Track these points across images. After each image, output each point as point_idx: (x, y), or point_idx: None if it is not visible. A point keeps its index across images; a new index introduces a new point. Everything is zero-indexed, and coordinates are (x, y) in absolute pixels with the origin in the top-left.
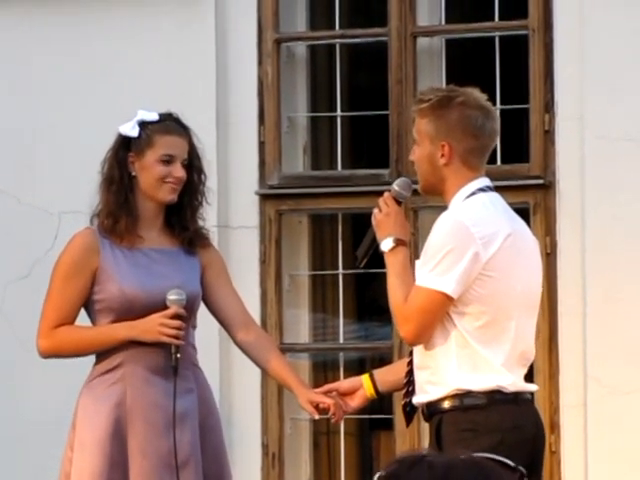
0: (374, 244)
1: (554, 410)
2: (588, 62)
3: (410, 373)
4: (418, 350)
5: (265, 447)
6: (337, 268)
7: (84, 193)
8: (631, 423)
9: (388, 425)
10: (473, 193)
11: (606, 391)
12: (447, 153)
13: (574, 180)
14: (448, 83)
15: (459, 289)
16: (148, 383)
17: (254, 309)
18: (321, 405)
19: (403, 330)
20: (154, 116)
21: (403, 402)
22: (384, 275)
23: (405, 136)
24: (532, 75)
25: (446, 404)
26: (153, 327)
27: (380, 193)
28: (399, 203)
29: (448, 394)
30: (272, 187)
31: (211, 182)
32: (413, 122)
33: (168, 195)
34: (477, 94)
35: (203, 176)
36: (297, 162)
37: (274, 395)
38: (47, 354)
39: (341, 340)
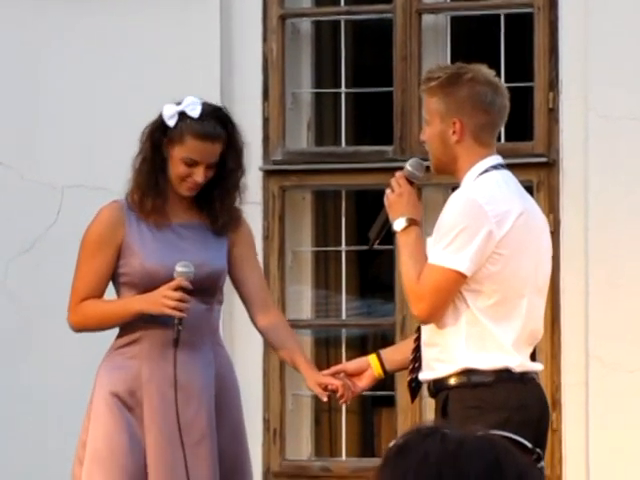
0: (386, 225)
1: (556, 388)
2: (593, 40)
3: (417, 349)
4: (427, 327)
5: (266, 423)
6: (340, 244)
7: (87, 167)
8: (633, 402)
9: (390, 402)
10: (486, 170)
11: (608, 370)
12: (458, 130)
13: (578, 158)
14: (453, 60)
15: (473, 267)
16: (162, 358)
17: None
18: (329, 387)
19: (417, 308)
20: (196, 111)
21: (409, 378)
22: (387, 252)
23: (409, 113)
24: (537, 53)
25: (453, 381)
26: (158, 299)
27: (384, 170)
28: (411, 183)
29: (455, 372)
30: (276, 163)
31: None
32: (421, 102)
33: (185, 192)
34: (485, 70)
35: (238, 174)
36: (301, 138)
37: (276, 371)
38: (77, 328)
39: (343, 316)
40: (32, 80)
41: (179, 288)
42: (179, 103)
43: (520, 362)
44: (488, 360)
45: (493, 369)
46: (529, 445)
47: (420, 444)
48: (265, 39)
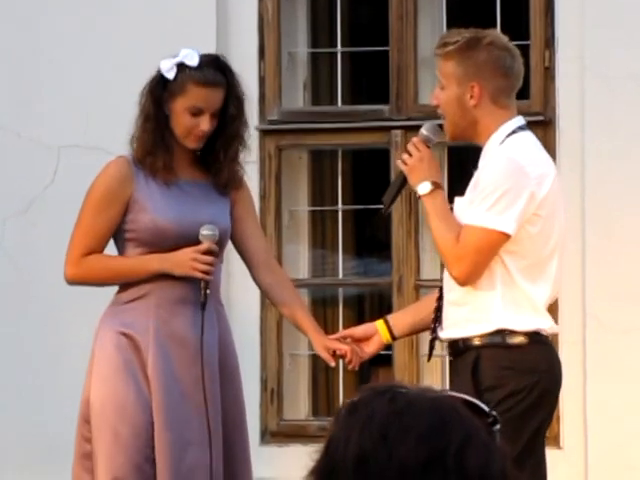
0: (402, 189)
1: None
2: None
3: (439, 309)
4: (457, 287)
5: (264, 382)
6: (336, 204)
7: (84, 127)
8: (630, 361)
9: (387, 361)
10: (514, 131)
11: (605, 329)
12: (477, 93)
13: (574, 117)
14: (449, 19)
15: (516, 228)
16: (174, 315)
17: None
18: (338, 352)
19: (456, 269)
20: (194, 60)
21: (431, 337)
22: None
23: (405, 72)
24: (532, 11)
25: (486, 340)
26: (185, 261)
27: (380, 129)
28: (427, 147)
29: (489, 331)
30: (272, 122)
31: None
32: (417, 60)
33: (192, 144)
34: (502, 36)
35: (240, 122)
36: (297, 97)
37: (273, 331)
38: (74, 281)
39: (340, 276)
40: (27, 41)
41: (207, 251)
42: (175, 56)
43: (551, 325)
44: (523, 321)
45: (527, 330)
46: (485, 408)
47: (369, 403)
48: None
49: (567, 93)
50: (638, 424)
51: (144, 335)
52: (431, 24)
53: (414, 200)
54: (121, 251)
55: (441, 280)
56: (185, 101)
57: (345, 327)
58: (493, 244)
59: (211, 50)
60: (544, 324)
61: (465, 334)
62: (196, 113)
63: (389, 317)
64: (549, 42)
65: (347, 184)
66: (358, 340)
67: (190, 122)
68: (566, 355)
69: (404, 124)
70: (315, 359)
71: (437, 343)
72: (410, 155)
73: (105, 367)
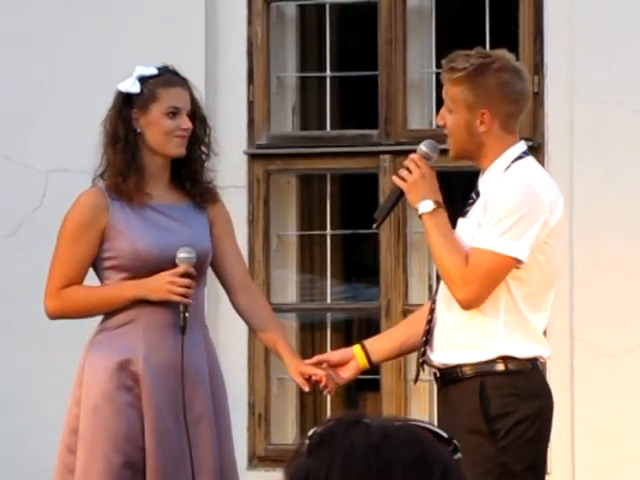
0: (396, 206)
1: None
2: (578, 24)
3: (429, 332)
4: (457, 311)
5: (251, 407)
6: (325, 228)
7: (73, 151)
8: (618, 385)
9: (375, 386)
10: (520, 157)
11: (592, 353)
12: (488, 120)
13: (563, 142)
14: (438, 44)
15: (529, 255)
16: (162, 341)
17: None
18: (313, 377)
19: (463, 293)
20: (152, 70)
21: (421, 360)
22: (372, 236)
23: (394, 96)
24: (522, 36)
25: (491, 367)
26: (162, 285)
27: (369, 154)
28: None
29: (493, 358)
30: (261, 147)
31: None
32: (406, 85)
33: (177, 149)
34: (509, 56)
35: (207, 127)
36: (286, 122)
37: (261, 355)
38: (54, 315)
39: (328, 300)
40: (17, 65)
41: (185, 274)
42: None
43: (549, 351)
44: (525, 349)
45: (528, 357)
46: (445, 435)
47: (345, 434)
48: (250, 22)
49: (556, 118)
50: (626, 448)
51: (136, 361)
52: (420, 48)
53: (402, 225)
54: (102, 280)
55: (433, 303)
56: (160, 105)
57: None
58: (503, 269)
59: (201, 74)
60: (544, 351)
61: (465, 360)
62: (174, 114)
63: (366, 342)
64: (538, 67)
65: (335, 209)
66: (335, 365)
67: (170, 124)
68: (554, 379)
69: (393, 149)
70: None
71: (425, 367)
72: (409, 171)
73: (96, 395)
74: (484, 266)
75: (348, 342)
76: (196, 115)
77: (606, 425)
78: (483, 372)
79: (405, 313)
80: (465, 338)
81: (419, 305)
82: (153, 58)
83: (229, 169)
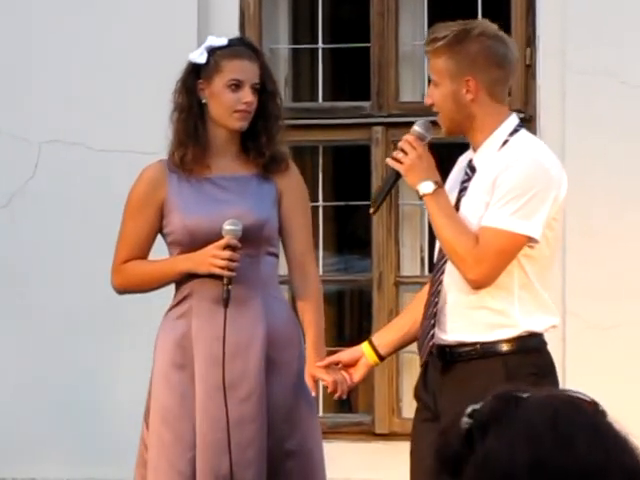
0: (393, 187)
1: None
2: None
3: (436, 314)
4: (469, 290)
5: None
6: (317, 200)
7: (65, 122)
8: (610, 358)
9: None
10: (516, 130)
11: (585, 326)
12: (473, 87)
13: (555, 115)
14: (430, 16)
15: (542, 233)
16: (213, 315)
17: None
18: (322, 383)
19: (474, 272)
20: (223, 41)
21: (431, 343)
22: (364, 208)
23: (386, 68)
24: (514, 9)
25: (512, 346)
26: (205, 258)
27: (361, 125)
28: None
29: (513, 336)
30: None
31: None
32: (399, 57)
33: (238, 122)
34: (491, 24)
35: (279, 99)
36: None
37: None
38: (120, 289)
39: (321, 272)
40: (8, 37)
41: (227, 246)
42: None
43: (559, 318)
44: (542, 321)
45: (543, 331)
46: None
47: (515, 411)
48: None
49: (548, 91)
50: (620, 420)
51: (188, 337)
52: (412, 21)
53: (395, 197)
54: (169, 254)
55: (437, 284)
56: (222, 77)
57: (325, 324)
58: (516, 248)
59: (192, 46)
60: (556, 319)
61: (484, 339)
62: (236, 87)
63: (374, 337)
64: (530, 40)
65: (328, 180)
66: (347, 365)
67: (232, 98)
68: None
69: (385, 121)
70: None
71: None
72: (405, 153)
73: (156, 375)
74: (496, 245)
75: (340, 314)
76: (266, 88)
77: (599, 398)
78: (507, 351)
79: (397, 285)
80: (484, 316)
81: (411, 277)
82: (145, 30)
83: None
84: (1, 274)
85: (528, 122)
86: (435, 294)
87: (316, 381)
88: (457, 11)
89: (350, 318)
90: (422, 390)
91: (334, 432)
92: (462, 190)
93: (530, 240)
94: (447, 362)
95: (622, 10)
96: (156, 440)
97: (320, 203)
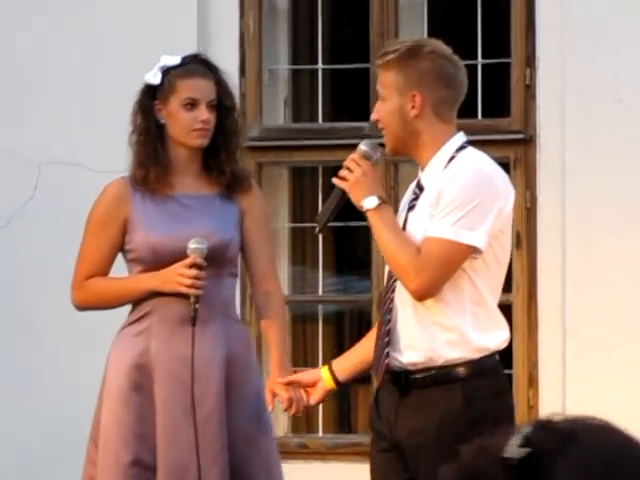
0: (339, 207)
1: (533, 365)
2: (569, 16)
3: (389, 332)
4: (420, 307)
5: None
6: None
7: (65, 143)
8: (609, 378)
9: (366, 379)
10: (463, 147)
11: (585, 346)
12: (418, 103)
13: (555, 135)
14: (430, 37)
15: (486, 243)
16: (173, 334)
17: None
18: (279, 398)
19: (415, 283)
20: (176, 60)
21: (386, 362)
22: (363, 229)
23: None
24: (514, 29)
25: (468, 368)
26: (171, 277)
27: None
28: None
29: (468, 355)
30: (253, 139)
31: None
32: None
33: (197, 140)
34: (444, 46)
35: (236, 115)
36: (278, 114)
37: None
38: (80, 306)
39: (320, 292)
40: (8, 55)
41: (194, 265)
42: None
43: (508, 334)
44: (496, 336)
45: (496, 349)
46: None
47: (572, 447)
48: (242, 15)
49: (548, 111)
50: None
51: (148, 356)
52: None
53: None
54: (129, 272)
55: (389, 302)
56: (177, 97)
57: (325, 344)
58: (459, 258)
59: None
60: (506, 333)
61: (436, 357)
62: (192, 105)
63: (334, 362)
64: (530, 60)
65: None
66: (306, 385)
67: (188, 117)
68: (546, 372)
69: (384, 142)
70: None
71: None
72: (351, 171)
73: (111, 392)
74: (437, 254)
75: (340, 334)
76: (222, 104)
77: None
78: (460, 376)
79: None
80: (436, 333)
81: None
82: (144, 51)
83: None
84: (2, 294)
85: (528, 142)
86: (387, 312)
87: (274, 397)
88: (456, 32)
89: (350, 338)
90: (376, 419)
91: (333, 453)
92: (410, 209)
93: (474, 250)
94: (402, 388)
95: (622, 30)
96: (113, 459)
97: None
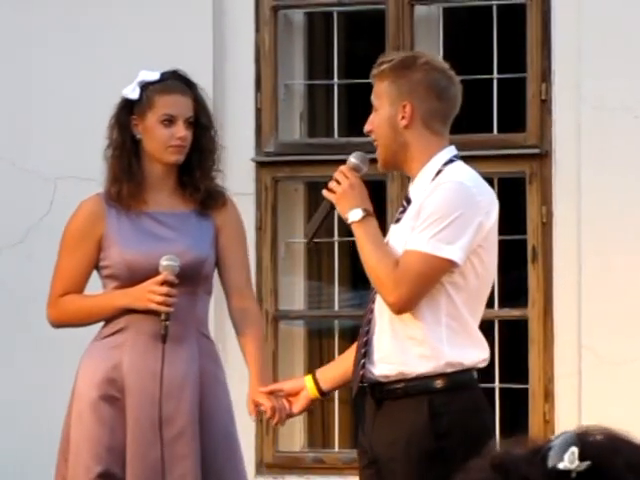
0: (327, 219)
1: (548, 380)
2: (585, 31)
3: (367, 344)
4: (397, 319)
5: (259, 414)
6: (333, 236)
7: (80, 158)
8: (625, 393)
9: None
10: (451, 160)
11: (600, 361)
12: (408, 113)
13: (570, 149)
14: (445, 52)
15: (464, 258)
16: (148, 350)
17: None
18: (261, 407)
19: (393, 296)
20: (155, 76)
21: (361, 373)
22: None
23: None
24: (529, 44)
25: (437, 383)
26: (142, 294)
27: (376, 160)
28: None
29: (439, 371)
30: (268, 154)
31: None
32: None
33: (173, 156)
34: (440, 59)
35: (213, 133)
36: (294, 129)
37: (268, 360)
38: (55, 323)
39: (336, 307)
40: (23, 71)
41: (165, 282)
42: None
43: (488, 352)
44: (471, 354)
45: (472, 365)
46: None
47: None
48: (258, 30)
49: (564, 125)
50: None
51: (121, 371)
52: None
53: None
54: (104, 289)
55: (369, 312)
56: (155, 113)
57: None
58: (436, 272)
59: (208, 82)
60: (485, 354)
61: (408, 371)
62: (169, 122)
63: (318, 372)
64: (546, 74)
65: None
66: (288, 394)
67: (165, 133)
68: (562, 387)
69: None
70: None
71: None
72: (338, 183)
73: (82, 405)
74: (415, 268)
75: None
76: (200, 122)
77: None
78: (431, 389)
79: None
80: (409, 346)
81: None
82: (160, 67)
83: (237, 176)
84: (17, 309)
85: (544, 157)
86: (367, 323)
87: (257, 406)
88: (473, 46)
89: None
90: (361, 434)
91: (349, 467)
92: (397, 221)
93: (451, 264)
94: (377, 400)
95: (638, 45)
96: (84, 473)
97: (335, 239)
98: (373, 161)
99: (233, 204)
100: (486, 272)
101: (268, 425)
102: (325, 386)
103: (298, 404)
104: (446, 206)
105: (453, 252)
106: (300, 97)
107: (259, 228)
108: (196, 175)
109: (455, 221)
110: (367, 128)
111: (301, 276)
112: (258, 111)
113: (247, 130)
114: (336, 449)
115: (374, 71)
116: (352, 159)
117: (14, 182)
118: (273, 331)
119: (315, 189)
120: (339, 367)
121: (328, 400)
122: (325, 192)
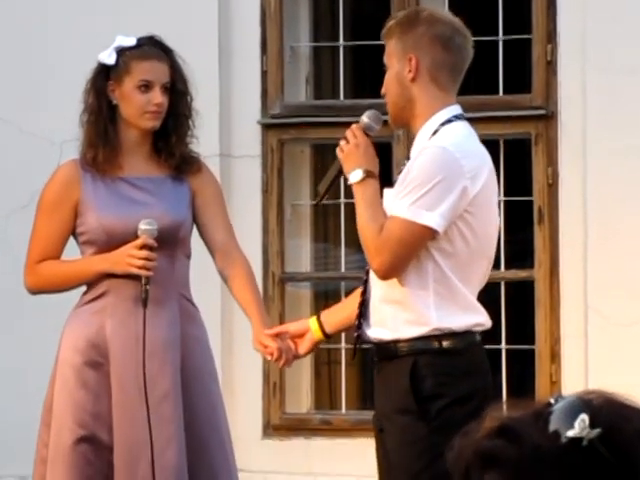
0: (337, 179)
1: (555, 341)
2: None
3: (363, 304)
4: (386, 284)
5: (266, 376)
6: (339, 197)
7: None
8: (631, 354)
9: None
10: (449, 120)
11: (607, 322)
12: (414, 66)
13: (576, 111)
14: (451, 11)
15: (445, 224)
16: (129, 314)
17: (256, 239)
18: (268, 349)
19: (376, 262)
20: (132, 41)
21: (356, 334)
22: None
23: None
24: (535, 5)
25: (424, 345)
26: (122, 258)
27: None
28: (368, 136)
29: (426, 334)
30: (274, 117)
31: (213, 111)
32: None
33: (149, 122)
34: (448, 13)
35: (189, 99)
36: (299, 92)
37: (275, 321)
38: (32, 290)
39: (342, 269)
40: (31, 35)
41: (144, 246)
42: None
43: (487, 318)
44: (460, 319)
45: (462, 330)
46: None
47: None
48: None
49: (569, 87)
50: None
51: (104, 336)
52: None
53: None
54: (82, 254)
55: (366, 274)
56: (132, 79)
57: None
58: (416, 238)
59: (214, 45)
60: (481, 319)
61: (398, 336)
62: (146, 88)
63: (322, 314)
64: (551, 36)
65: None
66: (294, 336)
67: (142, 99)
68: (568, 349)
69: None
70: (317, 352)
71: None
72: (347, 142)
73: (66, 372)
74: (396, 234)
75: None
76: (176, 88)
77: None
78: (417, 350)
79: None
80: (395, 311)
81: None
82: (165, 29)
83: (243, 139)
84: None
85: (550, 118)
86: (364, 283)
87: (265, 347)
88: (477, 8)
89: None
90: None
91: (358, 429)
92: (394, 182)
93: (431, 232)
94: (375, 362)
95: None
96: (69, 438)
97: (342, 200)
98: (385, 123)
99: (208, 168)
100: (476, 237)
101: (275, 387)
102: (329, 329)
103: (303, 346)
104: (426, 172)
105: (432, 219)
106: (306, 59)
107: (265, 191)
108: (172, 140)
109: (435, 187)
110: (383, 91)
111: (307, 238)
112: (264, 73)
113: (253, 93)
114: (343, 411)
115: (383, 31)
116: (364, 118)
117: (20, 146)
118: (280, 293)
119: (321, 151)
120: (344, 311)
121: (335, 363)
122: (338, 151)
